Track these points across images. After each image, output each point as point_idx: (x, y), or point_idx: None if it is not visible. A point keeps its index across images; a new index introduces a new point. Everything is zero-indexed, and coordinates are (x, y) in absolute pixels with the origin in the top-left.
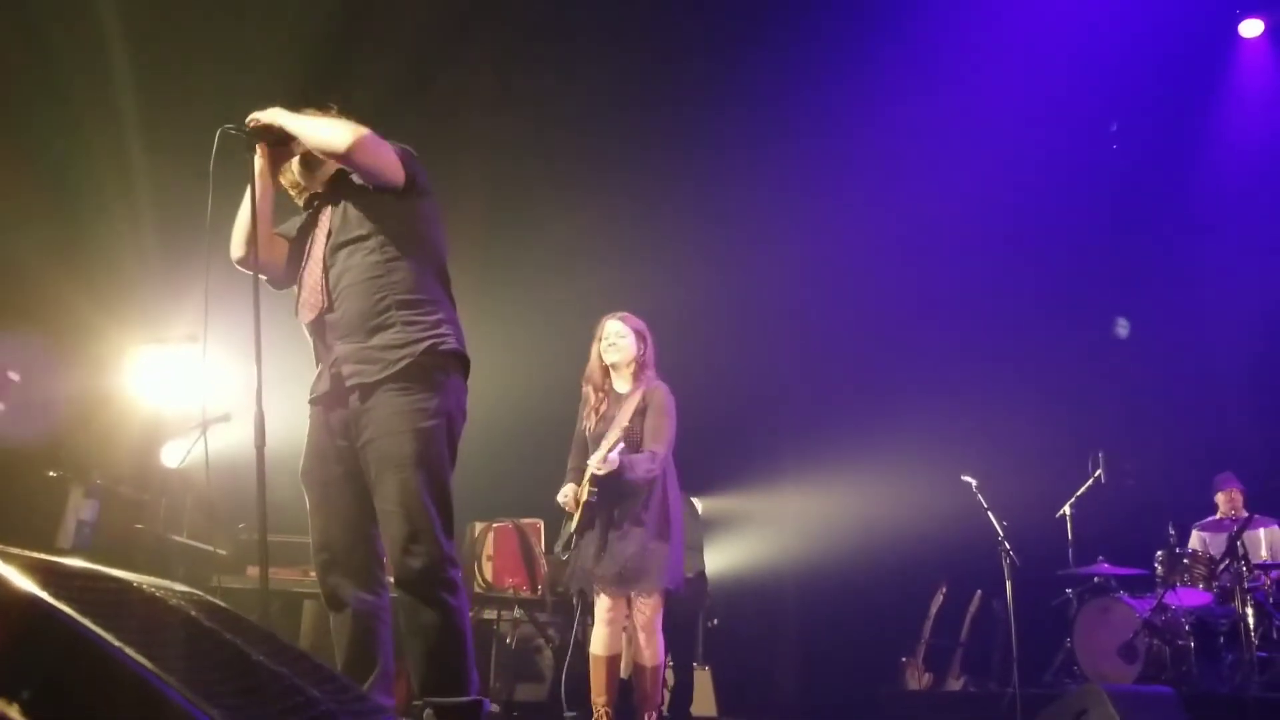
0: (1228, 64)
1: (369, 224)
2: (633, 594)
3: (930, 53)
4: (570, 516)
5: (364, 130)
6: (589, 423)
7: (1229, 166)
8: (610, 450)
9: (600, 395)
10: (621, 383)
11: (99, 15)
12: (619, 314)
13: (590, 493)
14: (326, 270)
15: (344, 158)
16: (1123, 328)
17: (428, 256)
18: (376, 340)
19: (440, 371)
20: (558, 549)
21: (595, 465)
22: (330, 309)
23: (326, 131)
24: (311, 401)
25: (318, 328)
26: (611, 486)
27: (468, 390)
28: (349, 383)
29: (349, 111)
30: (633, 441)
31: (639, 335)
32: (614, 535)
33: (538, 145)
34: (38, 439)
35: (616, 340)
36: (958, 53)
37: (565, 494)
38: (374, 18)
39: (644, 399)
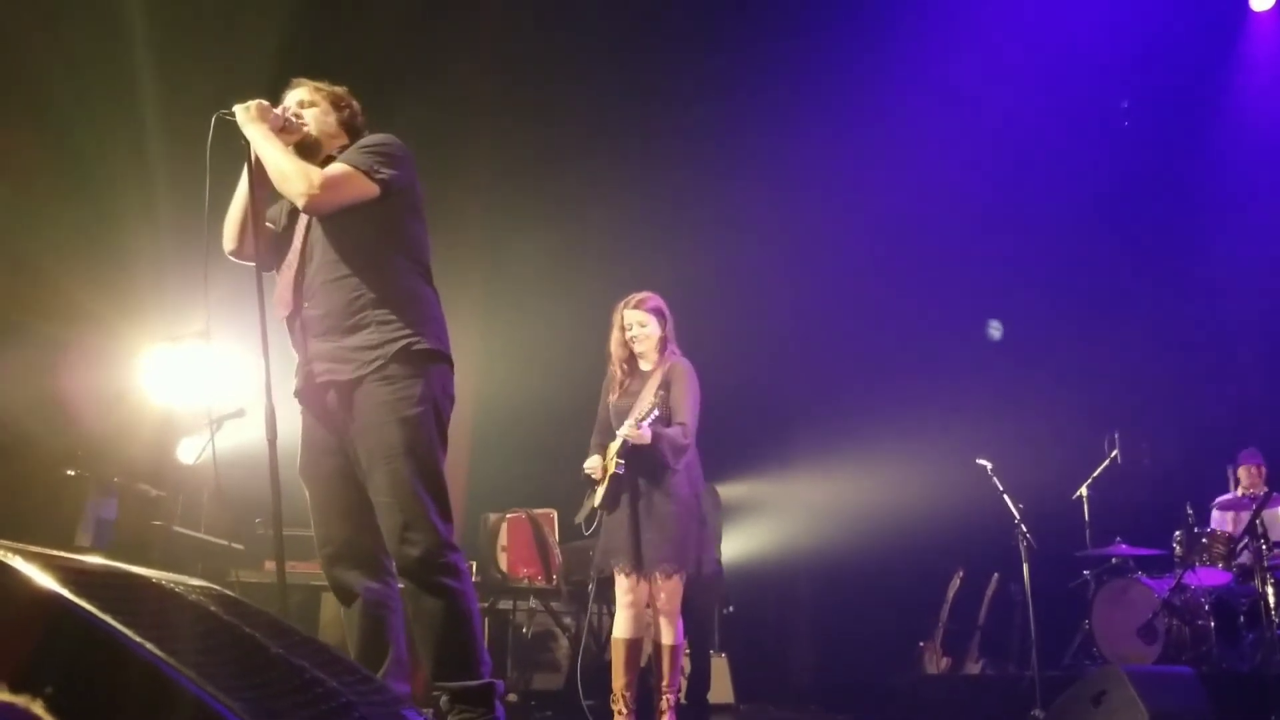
0: (1238, 38)
1: (345, 221)
2: (658, 573)
3: (941, 31)
4: (592, 491)
5: (315, 182)
6: (613, 398)
7: (1241, 141)
8: (643, 419)
9: (625, 372)
10: (646, 362)
11: (119, 11)
12: (634, 299)
13: (618, 464)
14: (304, 265)
15: (303, 209)
16: (995, 329)
17: (406, 252)
18: (351, 340)
19: (418, 363)
20: (579, 520)
21: (627, 433)
22: (306, 305)
23: (280, 178)
24: (295, 395)
25: (294, 323)
26: (640, 460)
27: (453, 375)
28: (319, 380)
29: (345, 85)
30: (662, 416)
31: (658, 315)
32: (643, 511)
33: (547, 134)
34: (56, 438)
35: (639, 331)
36: (968, 31)
37: (592, 464)
38: (381, 7)
39: (666, 374)
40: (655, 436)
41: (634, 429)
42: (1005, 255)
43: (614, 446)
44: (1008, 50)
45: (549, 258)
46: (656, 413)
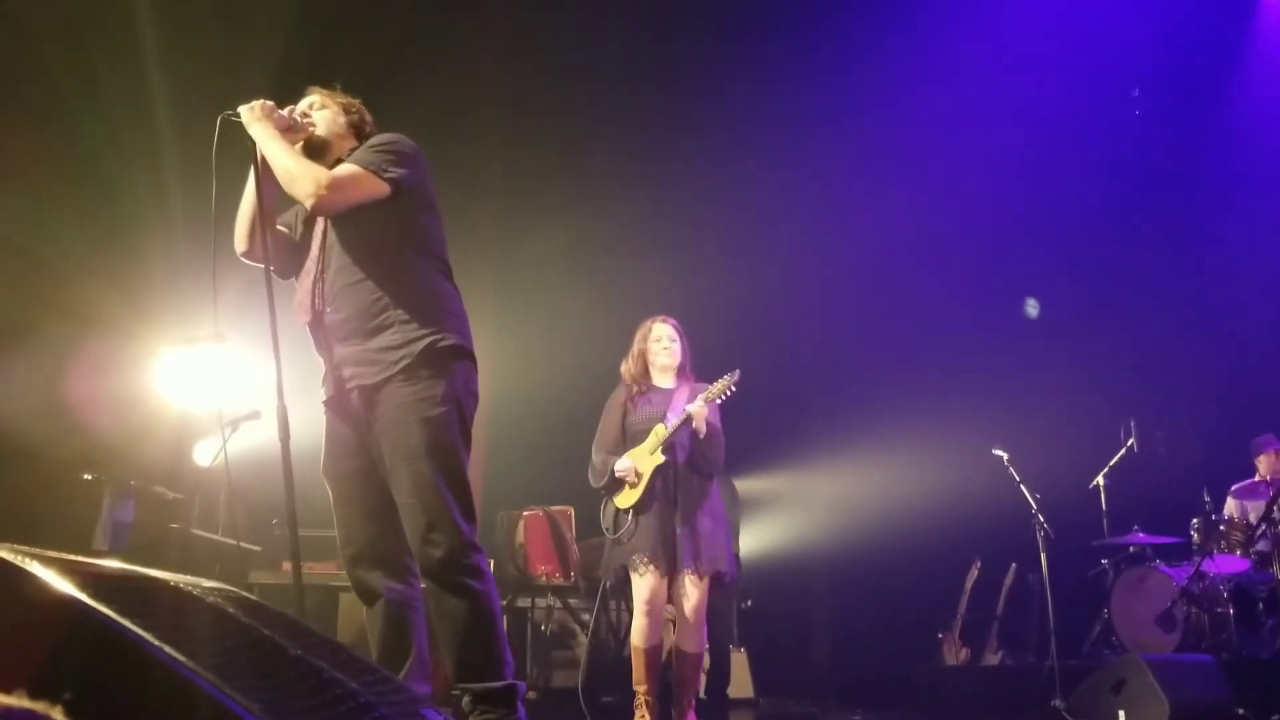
0: (1250, 23)
1: (361, 222)
2: (693, 574)
3: (956, 22)
4: (611, 499)
5: (323, 182)
6: (630, 407)
7: (1256, 126)
8: (713, 398)
9: (641, 389)
10: (663, 380)
11: (131, 14)
12: (662, 317)
13: (662, 453)
14: (322, 270)
15: (311, 210)
16: (1032, 308)
17: (424, 249)
18: (375, 342)
19: (442, 362)
20: (606, 528)
21: (695, 409)
22: (327, 311)
23: (288, 179)
24: (325, 403)
25: (317, 329)
26: (676, 458)
27: (477, 374)
28: (349, 385)
29: (352, 91)
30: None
31: (684, 338)
32: (680, 512)
33: (560, 131)
34: (71, 441)
35: (670, 345)
36: (982, 21)
37: (625, 466)
38: (393, 4)
39: (693, 393)
40: (710, 429)
41: (702, 407)
42: (1020, 246)
43: (655, 438)
44: (1020, 40)
45: (563, 254)
46: (723, 399)
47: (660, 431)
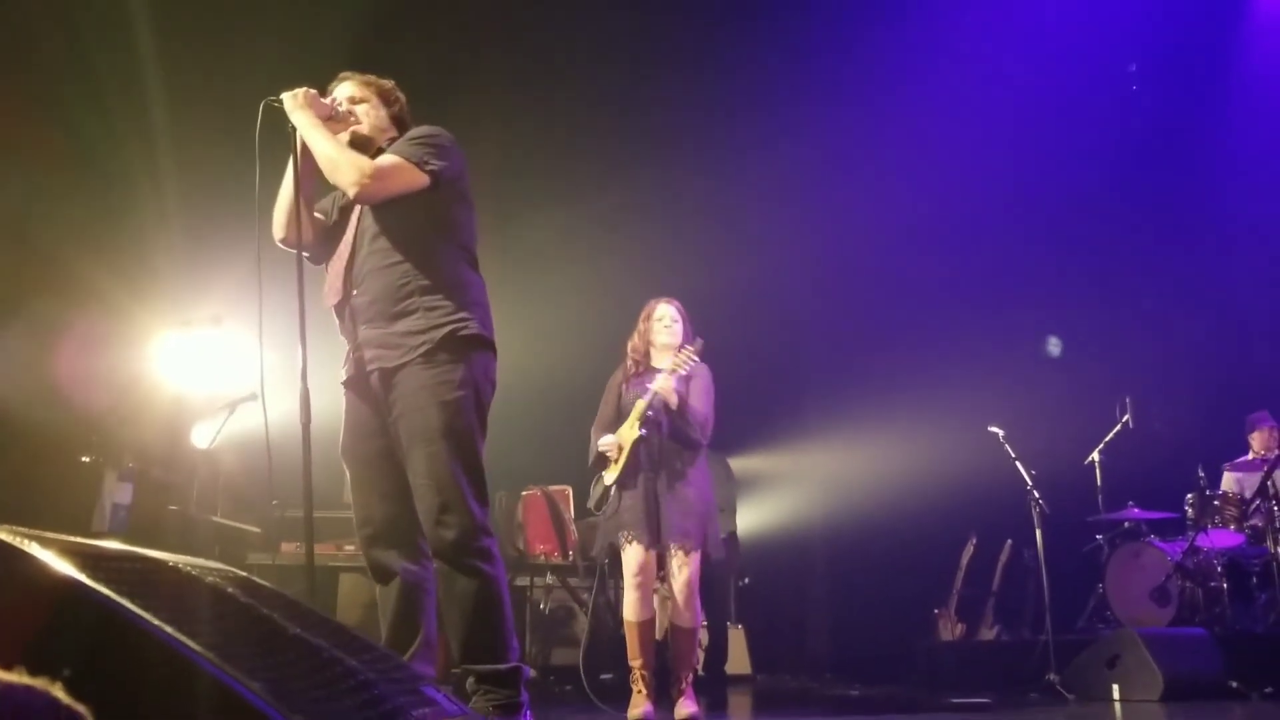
0: None
1: (395, 210)
2: (678, 549)
3: (950, 3)
4: (601, 475)
5: (366, 171)
6: (624, 388)
7: (1253, 103)
8: (675, 371)
9: (638, 370)
10: (661, 359)
11: (128, 7)
12: (666, 298)
13: (640, 430)
14: (354, 254)
15: (353, 198)
16: (1055, 346)
17: (454, 240)
18: (398, 326)
19: (462, 349)
20: (592, 504)
21: (659, 386)
22: (355, 293)
23: (331, 167)
24: (343, 384)
25: (343, 311)
26: (660, 434)
27: (496, 363)
28: (370, 367)
29: (388, 75)
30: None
31: (686, 320)
32: (663, 487)
33: (559, 111)
34: (71, 423)
35: (671, 324)
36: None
37: (608, 441)
38: None
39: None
40: (681, 401)
41: (668, 380)
42: (1015, 222)
43: (635, 413)
44: (1016, 16)
45: (561, 234)
46: (686, 370)
47: (640, 406)
